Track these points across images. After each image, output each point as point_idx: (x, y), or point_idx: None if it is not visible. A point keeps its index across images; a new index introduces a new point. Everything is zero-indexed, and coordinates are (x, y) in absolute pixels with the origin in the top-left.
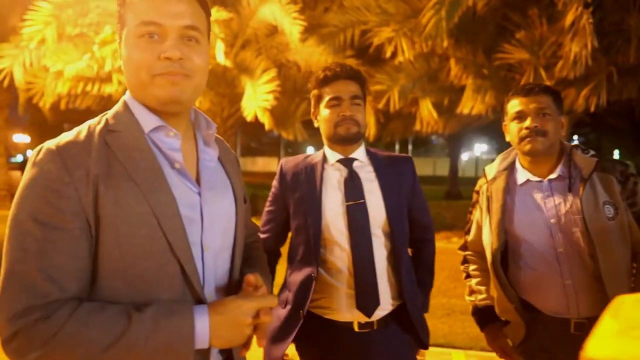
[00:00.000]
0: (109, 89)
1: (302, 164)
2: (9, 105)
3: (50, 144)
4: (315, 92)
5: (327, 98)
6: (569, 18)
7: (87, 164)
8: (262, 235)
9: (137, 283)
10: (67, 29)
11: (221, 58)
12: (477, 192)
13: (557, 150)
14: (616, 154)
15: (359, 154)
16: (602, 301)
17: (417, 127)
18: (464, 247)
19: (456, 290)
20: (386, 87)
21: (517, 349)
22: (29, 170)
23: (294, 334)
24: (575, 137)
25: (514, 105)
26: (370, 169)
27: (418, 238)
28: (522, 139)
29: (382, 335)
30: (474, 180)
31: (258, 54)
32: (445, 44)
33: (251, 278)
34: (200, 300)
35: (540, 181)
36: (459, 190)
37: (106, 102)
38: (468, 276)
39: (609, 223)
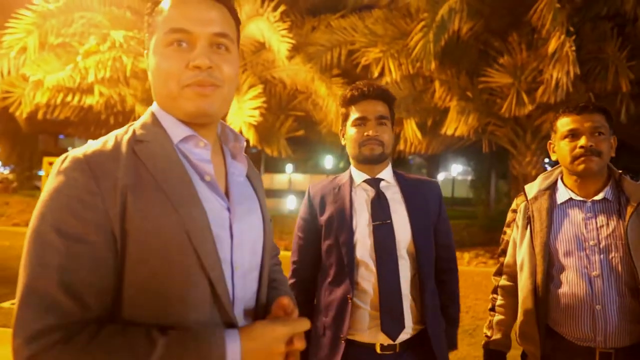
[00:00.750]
0: (89, 100)
1: (329, 186)
2: None
3: (77, 152)
4: (342, 110)
5: (353, 117)
6: (552, 45)
7: (115, 174)
8: (295, 264)
9: (164, 302)
10: (49, 38)
11: None
12: (515, 211)
13: (606, 172)
14: None
15: (386, 174)
16: (632, 332)
17: (401, 146)
18: (499, 272)
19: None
20: None
21: None
22: (53, 179)
23: None
24: (547, 160)
25: (567, 123)
26: (396, 189)
27: (443, 267)
28: (575, 158)
29: (403, 358)
30: (450, 200)
31: (244, 70)
32: (433, 66)
33: (285, 301)
34: (230, 323)
35: (584, 201)
36: None
37: (86, 113)
38: (492, 309)
39: None
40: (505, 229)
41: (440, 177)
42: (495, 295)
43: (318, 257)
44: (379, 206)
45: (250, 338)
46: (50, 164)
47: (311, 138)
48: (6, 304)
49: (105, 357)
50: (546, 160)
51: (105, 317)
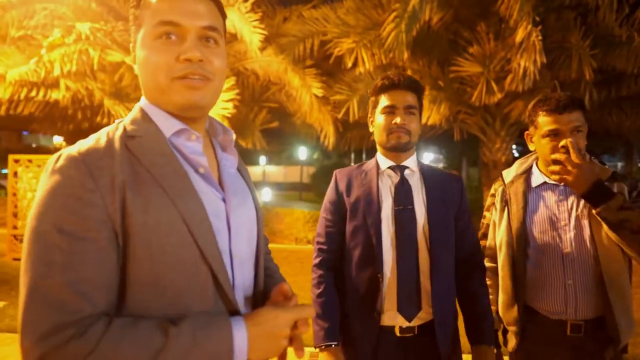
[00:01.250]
0: (55, 95)
1: (356, 171)
2: None
3: (71, 150)
4: (372, 98)
5: (382, 105)
6: (520, 35)
7: (111, 170)
8: (321, 244)
9: (168, 294)
10: (10, 31)
11: None
12: (493, 196)
13: None
14: None
15: (411, 162)
16: (600, 304)
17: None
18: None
19: None
20: (346, 97)
21: (513, 355)
22: (48, 178)
23: (375, 338)
24: (514, 146)
25: (549, 122)
26: (419, 177)
27: (466, 261)
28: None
29: (423, 342)
30: None
31: None
32: (406, 56)
33: (285, 287)
34: (233, 311)
35: (557, 185)
36: None
37: (51, 109)
38: None
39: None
40: (484, 212)
41: None
42: None
43: (343, 238)
44: (402, 192)
45: (255, 323)
46: (16, 161)
47: (285, 129)
48: None
49: (120, 349)
50: (514, 146)
51: (111, 312)
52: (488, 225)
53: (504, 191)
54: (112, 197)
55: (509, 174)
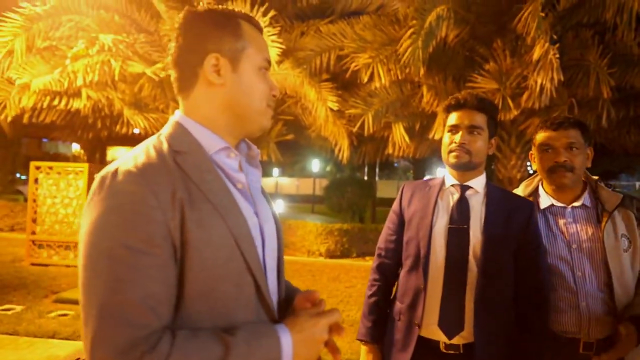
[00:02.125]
0: (77, 104)
1: (421, 185)
2: None
3: (128, 165)
4: (443, 116)
5: (448, 124)
6: (537, 52)
7: (171, 186)
8: (380, 250)
9: (219, 306)
10: (37, 41)
11: None
12: None
13: (582, 181)
14: None
15: (476, 182)
16: (611, 323)
17: (390, 150)
18: None
19: None
20: (361, 111)
21: None
22: (105, 194)
23: (412, 348)
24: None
25: (544, 138)
26: (482, 199)
27: (525, 297)
28: (552, 172)
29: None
30: None
31: None
32: (422, 72)
33: (315, 295)
34: (272, 319)
35: (565, 207)
36: None
37: (72, 117)
38: None
39: (623, 254)
40: None
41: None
42: None
43: (401, 248)
44: (459, 210)
45: (298, 330)
46: (37, 168)
47: (300, 142)
48: None
49: (189, 358)
50: (528, 163)
51: (171, 325)
52: None
53: None
54: (173, 213)
55: None
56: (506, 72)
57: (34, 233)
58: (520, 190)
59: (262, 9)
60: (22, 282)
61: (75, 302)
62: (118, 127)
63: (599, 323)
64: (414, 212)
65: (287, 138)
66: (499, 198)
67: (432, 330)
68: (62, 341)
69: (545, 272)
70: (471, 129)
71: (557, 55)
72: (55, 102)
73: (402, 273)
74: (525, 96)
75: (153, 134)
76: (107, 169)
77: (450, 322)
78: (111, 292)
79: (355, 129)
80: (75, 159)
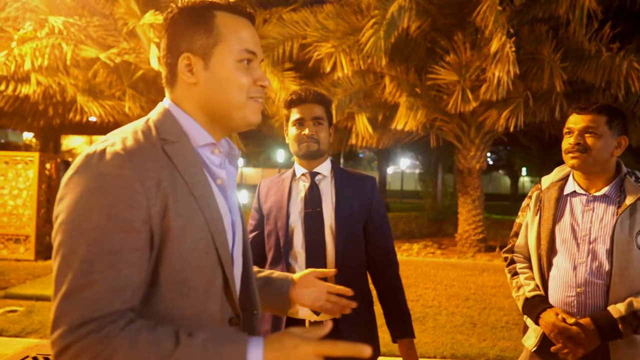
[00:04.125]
0: (26, 90)
1: (276, 180)
2: None
3: (116, 147)
4: (285, 112)
5: (293, 118)
6: (494, 45)
7: (157, 173)
8: (251, 241)
9: (192, 295)
10: None
11: (154, 63)
12: (530, 197)
13: (611, 170)
14: (524, 171)
15: (323, 168)
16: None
17: (353, 141)
18: (509, 250)
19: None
20: None
21: (533, 354)
22: (91, 174)
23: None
24: (488, 154)
25: (568, 121)
26: (330, 182)
27: (376, 261)
28: (566, 153)
29: (331, 335)
30: (400, 193)
31: None
32: (384, 62)
33: (323, 271)
34: (235, 312)
35: (585, 194)
36: (388, 202)
37: (21, 103)
38: (515, 274)
39: (635, 251)
40: (519, 213)
41: (390, 170)
42: (512, 265)
43: (263, 242)
44: (311, 196)
45: (274, 348)
46: None
47: (263, 132)
48: None
49: (131, 349)
50: (488, 154)
51: (137, 309)
52: (520, 225)
53: (538, 196)
54: (155, 200)
55: (547, 180)
56: (466, 64)
57: None
58: (552, 175)
59: None
60: None
61: (25, 298)
62: (72, 114)
63: (591, 310)
64: (270, 206)
65: (250, 128)
66: (345, 179)
67: (302, 311)
68: (10, 339)
69: (391, 237)
70: (315, 120)
71: (514, 49)
72: (2, 87)
73: (267, 266)
74: (483, 88)
75: (110, 122)
76: (94, 147)
77: None
78: (82, 272)
79: None
80: (27, 147)
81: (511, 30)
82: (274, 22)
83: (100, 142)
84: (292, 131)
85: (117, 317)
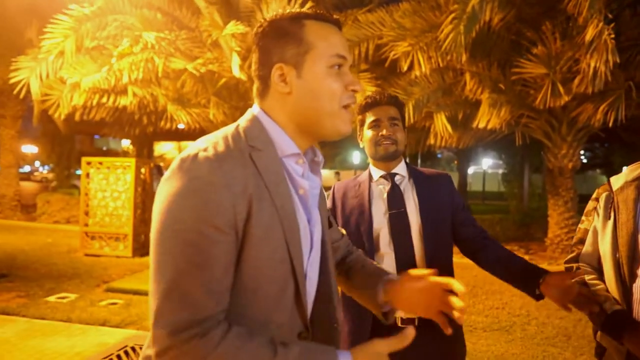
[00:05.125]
0: (124, 101)
1: (351, 184)
2: (21, 116)
3: (208, 152)
4: (359, 117)
5: (368, 121)
6: (590, 33)
7: (244, 181)
8: None
9: (262, 303)
10: (85, 41)
11: (237, 71)
12: (596, 200)
13: None
14: (625, 170)
15: (400, 169)
16: None
17: (431, 140)
18: (573, 259)
19: (475, 306)
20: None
21: None
22: (185, 177)
23: (369, 324)
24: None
25: None
26: (409, 182)
27: (478, 241)
28: None
29: (422, 332)
30: (481, 194)
31: None
32: (464, 58)
33: (419, 272)
34: (306, 325)
35: None
36: (469, 204)
37: (120, 114)
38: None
39: None
40: (583, 217)
41: (470, 170)
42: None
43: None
44: (394, 197)
45: (360, 357)
46: (88, 163)
47: None
48: (52, 298)
49: (235, 355)
50: (582, 152)
51: (226, 312)
52: (586, 230)
53: (609, 198)
54: (241, 206)
55: (618, 180)
56: (556, 56)
57: (86, 225)
58: (624, 175)
59: (299, 1)
60: (76, 272)
61: (124, 292)
62: (163, 122)
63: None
64: (350, 211)
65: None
66: (422, 178)
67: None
68: (112, 329)
69: (478, 224)
70: (391, 121)
71: (613, 36)
72: (104, 99)
73: None
74: (577, 81)
75: (196, 128)
76: (188, 152)
77: None
78: (179, 273)
79: None
80: (125, 154)
81: (609, 16)
82: (349, 24)
83: (193, 147)
84: (368, 134)
85: (216, 321)
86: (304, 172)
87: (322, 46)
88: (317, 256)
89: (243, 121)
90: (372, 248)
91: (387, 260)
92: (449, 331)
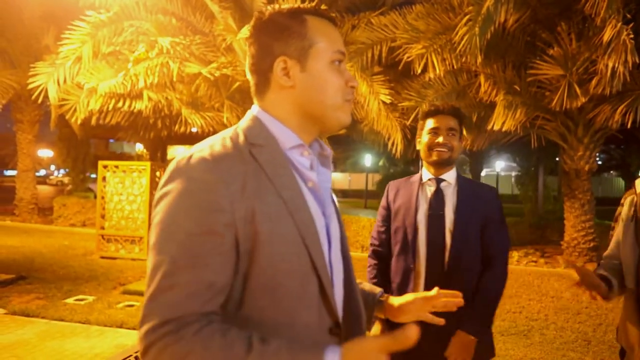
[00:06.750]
0: (139, 105)
1: (404, 182)
2: (39, 121)
3: (203, 153)
4: (420, 122)
5: (428, 127)
6: (608, 34)
7: (243, 177)
8: (374, 244)
9: (283, 302)
10: (102, 47)
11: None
12: (622, 205)
13: None
14: None
15: (449, 176)
16: None
17: None
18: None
19: None
20: (414, 103)
21: None
22: (180, 179)
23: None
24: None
25: None
26: (454, 189)
27: (486, 262)
28: None
29: (450, 329)
30: None
31: None
32: (479, 60)
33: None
34: (336, 321)
35: None
36: None
37: (135, 118)
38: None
39: None
40: (613, 224)
41: (483, 173)
42: None
43: (390, 237)
44: (436, 200)
45: (353, 356)
46: (105, 167)
47: (352, 136)
48: (70, 300)
49: (203, 352)
50: (597, 154)
51: (218, 312)
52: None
53: (633, 201)
54: (240, 204)
55: None
56: (572, 57)
57: (102, 228)
58: None
59: (312, 4)
60: (93, 274)
61: (141, 294)
62: (177, 126)
63: None
64: (399, 206)
65: (340, 133)
66: (468, 188)
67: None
68: (129, 331)
69: (505, 243)
70: (449, 131)
71: (632, 36)
72: (120, 104)
73: (393, 258)
74: (594, 82)
75: (210, 132)
76: (183, 154)
77: None
78: (165, 274)
79: (409, 122)
80: (139, 157)
81: (628, 15)
82: (362, 27)
83: (191, 149)
84: (425, 139)
85: (194, 319)
86: (312, 164)
87: (325, 41)
88: (337, 250)
89: (243, 122)
90: (413, 240)
91: (422, 253)
92: (441, 321)
